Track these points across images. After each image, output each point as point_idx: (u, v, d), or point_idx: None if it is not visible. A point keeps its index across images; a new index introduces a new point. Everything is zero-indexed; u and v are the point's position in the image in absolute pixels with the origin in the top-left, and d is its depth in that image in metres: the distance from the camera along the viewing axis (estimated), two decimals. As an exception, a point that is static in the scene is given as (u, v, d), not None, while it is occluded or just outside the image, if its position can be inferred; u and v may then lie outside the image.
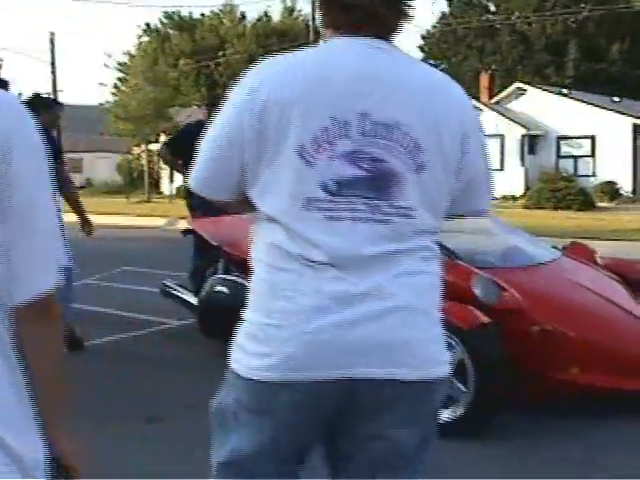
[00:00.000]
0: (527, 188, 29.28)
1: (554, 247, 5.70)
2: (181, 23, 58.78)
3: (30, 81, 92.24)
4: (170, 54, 56.30)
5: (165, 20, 59.37)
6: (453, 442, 4.20)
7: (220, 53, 53.87)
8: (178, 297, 6.67)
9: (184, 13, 59.38)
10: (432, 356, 1.88)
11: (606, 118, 30.29)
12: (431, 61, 48.50)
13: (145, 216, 21.93)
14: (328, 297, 1.76)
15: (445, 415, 4.39)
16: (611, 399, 4.68)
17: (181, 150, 7.23)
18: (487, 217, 5.66)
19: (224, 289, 5.97)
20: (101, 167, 49.12)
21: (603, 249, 12.06)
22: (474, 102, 32.12)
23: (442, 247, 4.83)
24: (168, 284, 6.96)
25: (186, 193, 7.88)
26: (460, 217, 2.19)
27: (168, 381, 5.51)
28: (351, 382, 1.80)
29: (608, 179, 29.51)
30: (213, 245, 6.47)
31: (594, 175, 30.39)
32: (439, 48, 47.55)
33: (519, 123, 31.47)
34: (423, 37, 49.23)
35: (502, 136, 31.59)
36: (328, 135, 1.77)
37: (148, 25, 59.31)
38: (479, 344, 4.28)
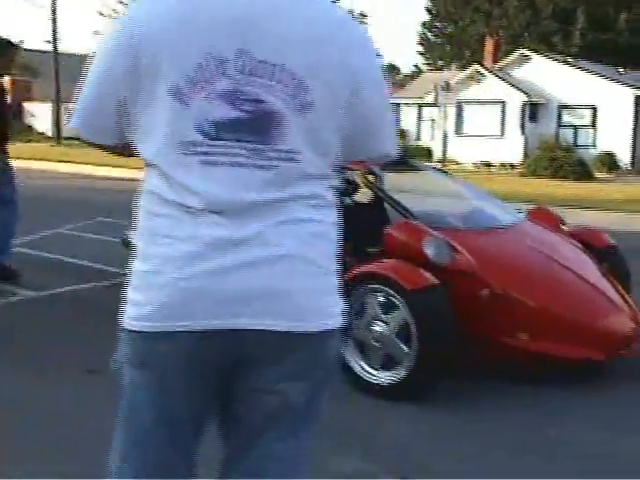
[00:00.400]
0: (526, 156, 29.04)
1: (519, 211, 5.54)
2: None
3: (28, 28, 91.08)
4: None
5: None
6: (391, 404, 4.13)
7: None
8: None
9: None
10: (318, 307, 1.77)
11: (609, 89, 29.99)
12: (437, 23, 48.15)
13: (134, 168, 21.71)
14: (204, 243, 1.66)
15: (386, 377, 4.30)
16: (562, 367, 4.56)
17: None
18: (455, 179, 5.54)
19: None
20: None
21: (582, 218, 12.10)
22: (477, 67, 31.86)
23: (398, 205, 4.79)
24: (131, 234, 6.80)
25: None
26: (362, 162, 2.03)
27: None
28: (232, 333, 1.69)
29: (608, 150, 29.27)
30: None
31: (594, 146, 30.15)
32: (446, 10, 47.05)
33: (521, 90, 31.16)
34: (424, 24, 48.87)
35: (503, 102, 31.34)
36: (203, 73, 1.65)
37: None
38: (423, 305, 4.15)
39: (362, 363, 4.40)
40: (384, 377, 4.32)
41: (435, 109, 32.31)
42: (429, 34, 50.51)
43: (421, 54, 52.93)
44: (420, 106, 35.02)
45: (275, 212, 1.71)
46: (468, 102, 32.47)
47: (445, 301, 4.25)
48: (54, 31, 41.62)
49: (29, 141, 41.13)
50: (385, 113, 1.91)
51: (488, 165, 30.67)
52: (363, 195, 5.72)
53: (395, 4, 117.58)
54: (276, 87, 1.67)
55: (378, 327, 4.34)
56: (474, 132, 32.00)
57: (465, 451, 3.69)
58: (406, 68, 50.47)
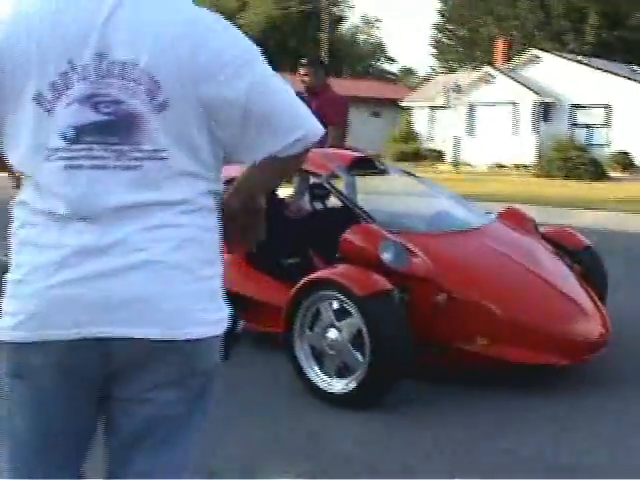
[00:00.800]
0: (540, 157, 28.77)
1: (488, 213, 5.41)
2: (201, -16, 58.16)
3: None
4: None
5: (185, -20, 58.76)
6: (340, 411, 4.04)
7: (239, 16, 53.41)
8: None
9: (206, -27, 58.74)
10: (187, 314, 1.72)
11: (623, 87, 29.65)
12: (449, 26, 47.99)
13: None
14: (69, 251, 1.65)
15: (341, 385, 4.20)
16: (523, 371, 4.44)
17: None
18: (424, 181, 5.43)
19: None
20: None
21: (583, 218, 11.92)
22: (487, 68, 31.65)
23: (358, 209, 4.68)
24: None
25: None
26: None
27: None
28: (97, 343, 1.66)
29: (622, 149, 28.94)
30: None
31: (608, 145, 29.79)
32: (458, 13, 46.84)
33: (533, 90, 30.91)
34: (443, 1, 48.55)
35: (515, 103, 31.11)
36: (64, 80, 1.66)
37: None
38: (375, 312, 4.03)
39: (317, 370, 4.29)
40: (338, 385, 4.21)
41: (446, 111, 32.18)
42: (441, 36, 50.33)
43: (434, 57, 52.78)
44: (432, 108, 34.84)
45: (143, 217, 1.68)
46: (480, 104, 32.24)
47: (398, 307, 4.14)
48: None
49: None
50: (276, 97, 1.79)
51: (501, 167, 30.45)
52: (334, 200, 5.62)
53: (408, 7, 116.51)
54: (133, 87, 1.66)
55: (332, 334, 4.23)
56: (486, 134, 31.77)
57: (414, 453, 3.58)
58: (423, 71, 50.39)
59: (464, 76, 34.84)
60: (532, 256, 4.85)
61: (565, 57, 32.34)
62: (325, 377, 4.28)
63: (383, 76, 65.55)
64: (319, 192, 5.33)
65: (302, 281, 4.36)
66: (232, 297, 4.22)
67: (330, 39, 57.26)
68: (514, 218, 5.39)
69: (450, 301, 4.36)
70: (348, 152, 5.80)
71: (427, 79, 46.16)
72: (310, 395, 4.26)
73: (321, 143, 6.57)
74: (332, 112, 7.01)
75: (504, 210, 5.53)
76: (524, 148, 30.27)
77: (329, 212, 5.50)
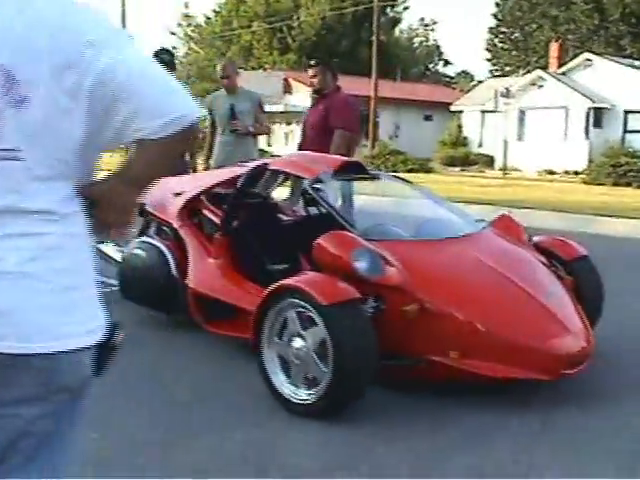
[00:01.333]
0: (591, 163, 28.22)
1: (479, 220, 5.26)
2: (257, -15, 58.41)
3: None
4: (244, 16, 56.25)
5: (241, -18, 59.17)
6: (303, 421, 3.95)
7: (294, 16, 53.51)
8: (108, 256, 6.47)
9: (261, -25, 58.94)
10: (46, 327, 1.65)
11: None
12: (504, 29, 47.42)
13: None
14: None
15: (305, 395, 4.11)
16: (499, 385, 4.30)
17: None
18: (415, 187, 5.31)
19: (141, 252, 5.74)
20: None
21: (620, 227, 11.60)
22: (539, 72, 31.16)
23: (337, 215, 4.58)
24: (103, 244, 6.77)
25: None
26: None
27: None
28: None
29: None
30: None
31: (664, 152, 29.04)
32: (512, 16, 46.27)
33: (585, 95, 30.36)
34: (497, 4, 48.01)
35: (566, 108, 30.59)
36: None
37: (225, -13, 59.41)
38: (339, 322, 3.93)
39: (283, 379, 4.20)
40: (303, 395, 4.11)
41: (496, 116, 31.80)
42: (496, 40, 49.78)
43: (488, 60, 52.23)
44: (482, 113, 34.45)
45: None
46: (530, 108, 31.77)
47: (364, 317, 4.03)
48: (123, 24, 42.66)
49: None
50: (144, 79, 1.70)
51: (551, 172, 29.97)
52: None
53: (467, 10, 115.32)
54: None
55: (297, 343, 4.14)
56: (537, 139, 31.30)
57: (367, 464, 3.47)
58: (482, 75, 49.66)
59: (516, 80, 34.37)
60: (517, 266, 4.69)
61: (619, 62, 31.68)
62: (291, 386, 4.19)
63: (439, 79, 65.10)
64: (308, 197, 5.22)
65: (270, 288, 4.28)
66: (219, 303, 4.00)
67: (385, 41, 57.14)
68: (505, 226, 5.23)
69: (422, 312, 4.23)
70: (336, 157, 5.69)
71: (480, 82, 45.66)
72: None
73: (324, 148, 6.55)
74: (338, 116, 6.95)
75: (497, 218, 5.37)
76: (575, 154, 29.75)
77: (319, 217, 5.40)
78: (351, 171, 5.39)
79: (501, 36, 48.96)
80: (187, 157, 7.64)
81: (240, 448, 3.72)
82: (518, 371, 4.19)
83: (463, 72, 69.23)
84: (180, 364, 4.96)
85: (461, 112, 36.93)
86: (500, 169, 29.88)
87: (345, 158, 5.60)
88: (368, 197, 5.70)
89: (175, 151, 1.87)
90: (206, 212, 5.77)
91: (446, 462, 3.59)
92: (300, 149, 7.30)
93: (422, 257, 4.60)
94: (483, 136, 34.99)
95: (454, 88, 54.18)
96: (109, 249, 6.57)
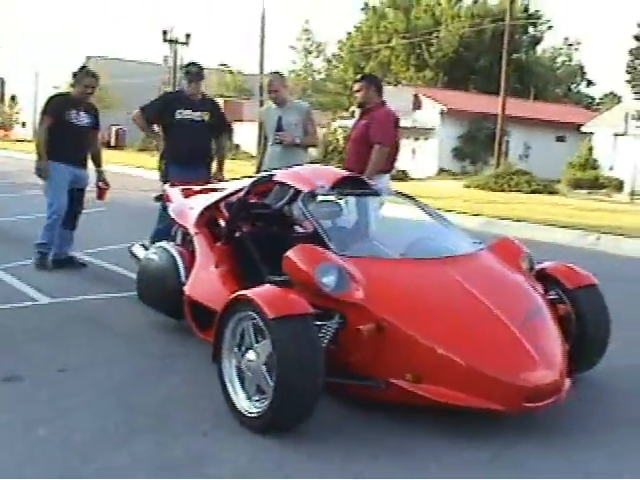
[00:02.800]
0: None
1: (477, 242, 5.08)
2: (398, 2, 58.66)
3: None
4: (384, 32, 56.56)
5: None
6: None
7: (433, 33, 53.37)
8: (137, 258, 6.65)
9: (402, -7, 59.16)
10: None
11: None
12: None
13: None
14: None
15: (255, 408, 4.09)
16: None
17: (154, 115, 7.39)
18: (420, 205, 5.22)
19: (155, 257, 5.87)
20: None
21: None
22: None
23: (319, 228, 4.54)
24: (135, 246, 6.98)
25: (160, 159, 7.84)
26: None
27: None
28: None
29: None
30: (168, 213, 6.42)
31: None
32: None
33: None
34: (639, 25, 46.27)
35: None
36: None
37: (366, 4, 59.97)
38: (284, 336, 3.88)
39: (238, 389, 4.20)
40: (253, 408, 4.09)
41: (628, 139, 30.65)
42: (637, 62, 47.96)
43: (628, 82, 50.37)
44: (615, 136, 33.25)
45: None
46: (665, 132, 30.37)
47: (311, 332, 3.96)
48: (261, 56, 43.88)
49: (233, 159, 43.29)
50: None
51: (683, 200, 28.55)
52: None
53: (610, 30, 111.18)
54: None
55: (250, 355, 4.13)
56: (670, 164, 29.88)
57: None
58: (630, 97, 48.04)
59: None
60: (497, 292, 4.51)
61: None
62: (243, 398, 4.17)
63: (581, 100, 63.30)
64: (299, 210, 5.19)
65: (230, 297, 4.29)
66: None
67: (524, 60, 56.09)
68: (504, 249, 5.04)
69: (380, 331, 4.13)
70: (339, 171, 5.64)
71: (615, 104, 44.08)
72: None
73: (362, 159, 6.51)
74: (378, 130, 6.90)
75: (498, 241, 5.18)
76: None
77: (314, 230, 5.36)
78: (352, 186, 5.33)
79: (642, 57, 47.25)
80: (214, 168, 7.81)
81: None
82: (475, 400, 4.02)
83: (611, 94, 67.03)
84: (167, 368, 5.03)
85: (592, 134, 35.75)
86: (628, 193, 28.75)
87: (345, 172, 5.53)
88: (363, 213, 5.55)
89: None
90: (221, 220, 5.82)
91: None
92: (343, 164, 7.29)
93: (392, 276, 4.49)
94: (614, 159, 33.71)
95: (598, 110, 52.50)
96: (137, 249, 6.75)
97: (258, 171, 7.84)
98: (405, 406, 4.21)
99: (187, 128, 7.53)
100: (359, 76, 7.62)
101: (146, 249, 6.56)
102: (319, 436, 4.01)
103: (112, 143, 53.79)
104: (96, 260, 8.75)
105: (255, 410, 4.08)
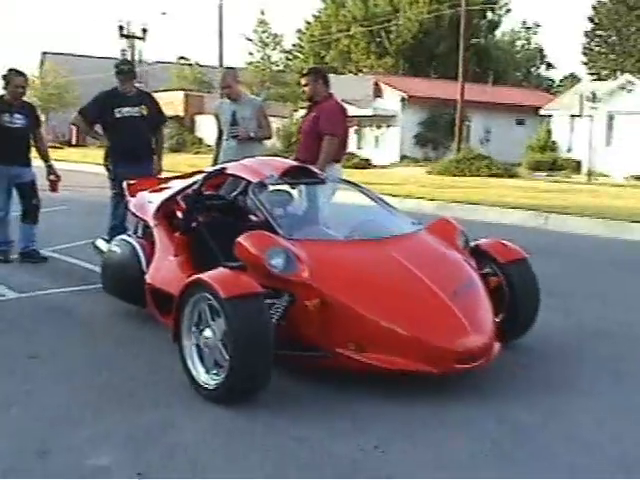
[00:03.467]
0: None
1: (417, 223, 5.50)
2: (356, -10, 58.99)
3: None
4: (343, 21, 56.83)
5: (341, -13, 59.89)
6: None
7: (392, 20, 53.73)
8: (100, 251, 6.99)
9: (361, -20, 59.51)
10: None
11: None
12: (600, 32, 46.40)
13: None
14: None
15: (213, 380, 4.47)
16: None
17: (95, 116, 7.71)
18: (363, 191, 5.61)
19: (117, 249, 6.22)
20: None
21: None
22: (627, 76, 30.44)
23: (268, 216, 4.91)
24: (99, 240, 7.32)
25: (105, 157, 8.18)
26: None
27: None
28: None
29: None
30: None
31: None
32: (609, 19, 45.23)
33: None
34: (594, 7, 47.04)
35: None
36: None
37: (324, -8, 60.21)
38: (237, 314, 4.26)
39: (197, 365, 4.57)
40: (212, 382, 4.47)
41: (584, 120, 31.26)
42: (592, 44, 48.76)
43: (584, 64, 51.20)
44: (572, 117, 33.89)
45: None
46: (619, 113, 31.11)
47: (261, 309, 4.35)
48: (220, 49, 44.07)
49: (197, 153, 43.47)
50: None
51: (638, 178, 29.27)
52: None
53: (567, 13, 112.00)
54: None
55: (207, 333, 4.51)
56: (625, 145, 30.62)
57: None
58: (588, 79, 49.03)
59: (604, 84, 33.69)
60: (431, 266, 4.93)
61: None
62: (203, 372, 4.55)
63: (541, 83, 64.05)
64: (250, 199, 5.58)
65: (186, 281, 4.67)
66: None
67: (483, 44, 56.70)
68: (441, 229, 5.46)
69: (324, 306, 4.53)
70: (286, 161, 6.03)
71: (571, 86, 44.84)
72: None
73: (313, 151, 6.90)
74: (327, 122, 7.27)
75: (435, 221, 5.60)
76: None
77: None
78: (299, 175, 5.73)
79: (597, 40, 47.98)
80: (155, 160, 8.16)
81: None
82: (412, 365, 4.44)
83: (571, 75, 67.80)
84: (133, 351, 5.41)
85: (550, 117, 36.40)
86: (586, 173, 29.40)
87: (293, 163, 5.94)
88: (309, 200, 5.97)
89: None
90: (179, 212, 6.18)
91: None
92: (295, 155, 7.67)
93: (335, 256, 4.90)
94: (572, 141, 34.39)
95: (559, 92, 53.23)
96: (101, 243, 7.10)
97: (214, 165, 8.19)
98: (349, 374, 4.61)
99: (128, 124, 7.89)
100: (305, 70, 7.95)
101: (108, 242, 6.90)
102: (272, 405, 4.39)
103: (73, 141, 53.55)
104: (60, 256, 9.05)
105: (213, 383, 4.46)
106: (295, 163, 5.94)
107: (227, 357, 4.35)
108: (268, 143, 8.36)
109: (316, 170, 5.98)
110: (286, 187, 5.81)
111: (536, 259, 5.66)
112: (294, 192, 6.05)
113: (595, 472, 3.63)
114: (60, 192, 8.94)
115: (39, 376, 4.89)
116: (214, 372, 4.51)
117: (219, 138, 8.32)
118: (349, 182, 5.98)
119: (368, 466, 3.67)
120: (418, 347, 4.46)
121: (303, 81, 7.65)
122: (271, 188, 5.50)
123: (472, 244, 5.55)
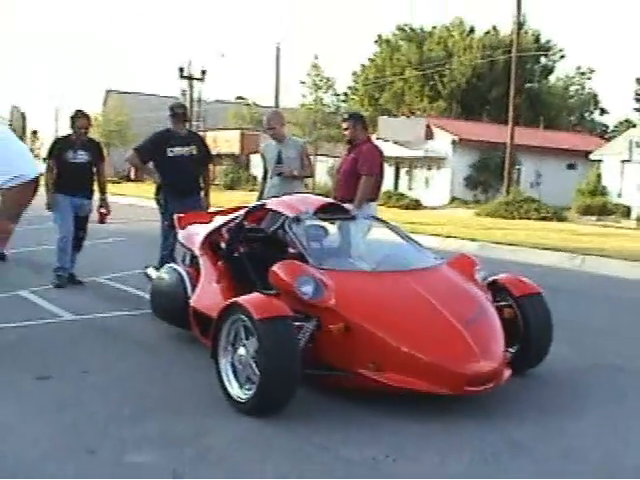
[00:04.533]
0: None
1: (439, 258, 5.96)
2: (411, 35, 59.91)
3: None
4: (397, 64, 57.64)
5: (397, 32, 60.85)
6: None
7: (446, 64, 54.37)
8: (150, 278, 7.56)
9: (415, 26, 60.52)
10: None
11: None
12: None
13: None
14: None
15: (245, 395, 4.95)
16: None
17: (149, 154, 8.35)
18: (391, 227, 6.11)
19: (166, 276, 6.79)
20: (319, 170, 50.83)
21: None
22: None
23: (302, 248, 5.42)
24: (149, 268, 7.89)
25: (156, 192, 8.79)
26: None
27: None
28: None
29: None
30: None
31: None
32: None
33: None
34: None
35: None
36: None
37: (380, 36, 61.16)
38: (268, 334, 4.75)
39: (232, 380, 5.06)
40: (244, 395, 4.96)
41: (634, 165, 31.34)
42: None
43: (636, 110, 51.17)
44: (622, 162, 33.98)
45: None
46: (669, 159, 31.16)
47: (290, 330, 4.84)
48: (276, 90, 45.12)
49: (251, 190, 44.33)
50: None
51: (688, 224, 29.18)
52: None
53: (624, 59, 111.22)
54: None
55: (241, 351, 5.01)
56: (676, 190, 30.62)
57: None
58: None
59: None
60: (449, 297, 5.37)
61: None
62: (236, 387, 5.05)
63: (595, 128, 63.95)
64: (286, 232, 6.10)
65: (224, 304, 5.19)
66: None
67: (536, 89, 56.97)
68: (460, 264, 5.91)
69: (347, 330, 5.01)
70: (321, 198, 6.56)
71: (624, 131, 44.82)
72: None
73: (351, 189, 7.42)
74: (365, 163, 7.81)
75: (455, 256, 6.06)
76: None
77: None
78: (332, 211, 6.24)
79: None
80: (202, 195, 8.76)
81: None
82: (425, 385, 4.88)
83: (626, 121, 67.57)
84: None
85: (601, 161, 36.50)
86: (636, 219, 29.41)
87: (327, 200, 6.47)
88: (341, 234, 6.48)
89: (24, 195, 2.96)
90: (222, 243, 6.74)
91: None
92: (334, 194, 8.20)
93: (360, 285, 5.39)
94: (622, 186, 34.43)
95: (613, 138, 53.18)
96: (151, 271, 7.67)
97: (259, 199, 8.75)
98: (369, 392, 5.07)
99: (179, 163, 8.51)
100: (346, 115, 8.51)
101: (158, 270, 7.46)
102: (297, 416, 4.86)
103: (132, 177, 54.97)
104: (114, 283, 9.68)
105: (245, 396, 4.95)
106: (329, 200, 6.47)
107: (258, 373, 4.83)
108: (310, 181, 8.91)
109: (348, 207, 6.49)
110: (322, 222, 6.31)
111: (562, 297, 6.07)
112: (330, 227, 6.55)
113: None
114: (108, 224, 9.66)
115: (90, 386, 5.43)
116: (246, 387, 4.99)
117: (264, 176, 8.87)
118: (381, 220, 6.48)
119: (379, 472, 4.11)
120: (432, 370, 4.90)
121: (344, 125, 8.20)
122: (307, 223, 6.00)
123: (490, 278, 5.97)
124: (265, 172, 8.89)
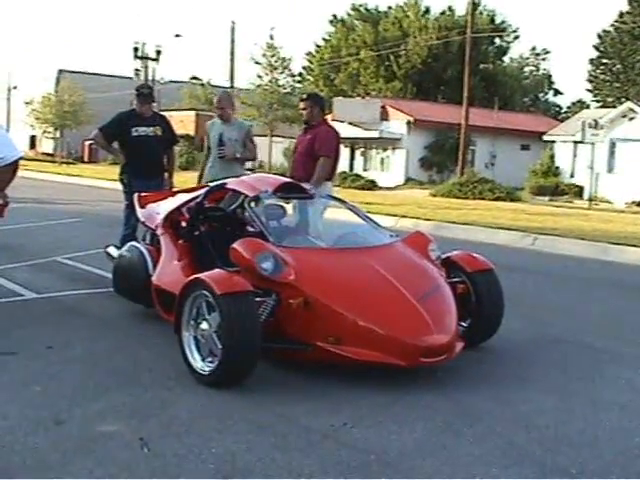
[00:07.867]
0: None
1: (394, 235, 6.16)
2: (367, 15, 60.08)
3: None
4: (353, 45, 57.78)
5: (352, 12, 60.96)
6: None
7: (401, 45, 54.63)
8: (111, 256, 7.68)
9: (370, 6, 60.71)
10: None
11: None
12: (605, 60, 47.13)
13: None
14: None
15: (208, 368, 5.11)
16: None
17: (114, 134, 8.44)
18: (349, 206, 6.29)
19: (127, 254, 6.91)
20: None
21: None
22: (629, 104, 30.99)
23: (262, 226, 5.58)
24: (110, 247, 8.00)
25: (120, 172, 8.88)
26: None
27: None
28: None
29: None
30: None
31: None
32: (614, 47, 46.01)
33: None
34: (599, 36, 47.86)
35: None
36: None
37: (335, 16, 61.23)
38: (229, 308, 4.91)
39: (195, 353, 5.22)
40: (206, 368, 5.13)
41: (587, 147, 31.88)
42: (597, 71, 49.52)
43: (589, 91, 51.97)
44: (575, 143, 34.56)
45: None
46: (621, 140, 31.77)
47: (251, 305, 5.01)
48: (231, 70, 44.97)
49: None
50: None
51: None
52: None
53: (577, 40, 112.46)
54: None
55: (204, 325, 5.17)
56: (627, 171, 31.25)
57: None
58: (595, 104, 49.96)
59: (608, 112, 34.35)
60: (403, 273, 5.58)
61: None
62: (199, 360, 5.21)
63: (549, 109, 64.76)
64: (246, 211, 6.26)
65: (186, 280, 5.34)
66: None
67: (491, 70, 57.51)
68: (415, 241, 6.12)
69: (307, 305, 5.19)
70: (280, 178, 6.73)
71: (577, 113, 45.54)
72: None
73: (308, 170, 7.59)
74: (322, 145, 7.97)
75: (410, 234, 6.28)
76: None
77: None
78: (291, 191, 6.41)
79: (602, 67, 48.83)
80: (166, 176, 8.87)
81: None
82: (382, 357, 5.09)
83: (579, 102, 68.49)
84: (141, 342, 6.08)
85: (554, 142, 37.08)
86: (588, 199, 29.98)
87: (286, 179, 6.63)
88: (300, 213, 6.66)
89: (6, 175, 3.23)
90: (183, 222, 6.87)
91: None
92: (290, 173, 8.36)
93: (318, 261, 5.58)
94: (575, 167, 35.05)
95: (566, 119, 53.92)
96: (112, 250, 7.78)
97: (199, 181, 8.87)
98: (327, 365, 5.26)
99: (143, 143, 8.62)
100: (304, 95, 8.67)
101: (119, 249, 7.58)
102: (259, 388, 5.04)
103: (85, 158, 54.49)
104: (74, 263, 9.75)
105: (208, 369, 5.11)
106: (288, 180, 6.63)
107: (220, 347, 5.00)
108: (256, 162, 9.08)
109: (306, 187, 6.66)
110: (281, 202, 6.48)
111: (514, 274, 6.31)
112: (288, 206, 6.72)
113: (533, 447, 4.26)
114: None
115: (57, 362, 5.55)
116: (209, 360, 5.16)
117: (207, 155, 9.00)
118: (338, 199, 6.67)
119: (336, 439, 4.30)
120: (388, 342, 5.10)
121: (302, 105, 8.35)
122: (267, 202, 6.17)
123: (444, 255, 6.20)
124: (207, 151, 9.01)
